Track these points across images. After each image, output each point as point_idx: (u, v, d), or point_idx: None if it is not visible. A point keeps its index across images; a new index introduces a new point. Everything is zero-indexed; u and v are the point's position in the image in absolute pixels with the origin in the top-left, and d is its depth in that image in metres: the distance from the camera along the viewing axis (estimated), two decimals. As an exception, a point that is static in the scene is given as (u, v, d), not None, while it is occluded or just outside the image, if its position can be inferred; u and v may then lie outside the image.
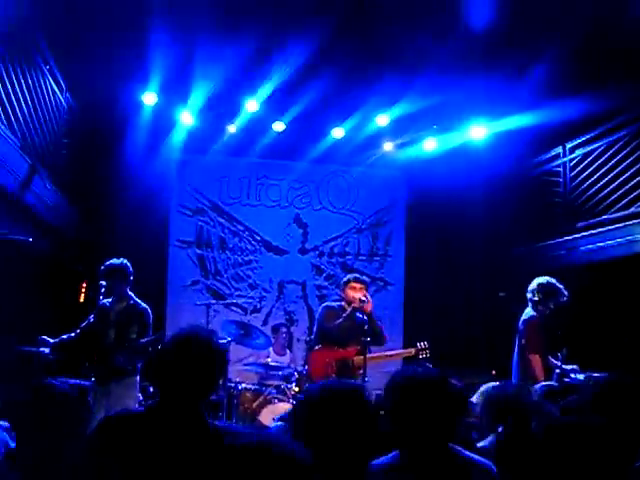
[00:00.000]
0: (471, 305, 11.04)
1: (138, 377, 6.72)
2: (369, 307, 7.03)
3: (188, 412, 2.84)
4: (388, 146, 10.97)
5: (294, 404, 4.39)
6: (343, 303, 7.29)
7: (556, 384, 5.77)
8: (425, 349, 7.42)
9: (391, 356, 7.81)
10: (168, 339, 3.04)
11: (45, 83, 7.63)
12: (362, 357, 6.76)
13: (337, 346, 7.09)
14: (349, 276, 7.54)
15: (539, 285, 6.94)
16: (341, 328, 7.03)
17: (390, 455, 2.82)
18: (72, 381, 3.47)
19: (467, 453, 2.80)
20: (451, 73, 8.28)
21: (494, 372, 9.41)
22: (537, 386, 5.07)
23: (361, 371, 6.78)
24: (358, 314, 7.02)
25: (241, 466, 1.76)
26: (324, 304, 7.82)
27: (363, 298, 7.02)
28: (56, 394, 2.99)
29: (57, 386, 3.03)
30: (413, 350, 7.50)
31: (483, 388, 4.37)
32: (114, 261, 6.77)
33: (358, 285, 7.24)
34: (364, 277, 7.80)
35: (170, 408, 2.83)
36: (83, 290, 9.23)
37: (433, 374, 2.78)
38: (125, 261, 6.79)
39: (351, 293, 7.17)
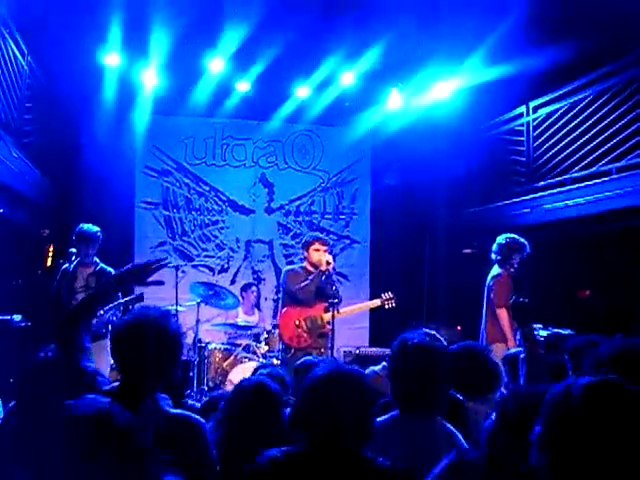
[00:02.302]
0: (436, 262, 11.18)
1: (109, 340, 6.77)
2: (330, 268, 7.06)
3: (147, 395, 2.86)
4: (352, 105, 10.97)
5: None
6: (305, 264, 7.22)
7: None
8: (390, 299, 7.49)
9: (359, 308, 7.97)
10: (122, 322, 2.99)
11: (5, 47, 7.44)
12: (330, 314, 6.77)
13: (304, 306, 7.10)
14: (311, 237, 7.39)
15: (501, 243, 7.12)
16: (307, 290, 7.02)
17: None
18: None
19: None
20: (415, 28, 8.28)
21: (459, 328, 9.63)
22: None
23: (330, 326, 6.81)
24: (324, 277, 7.02)
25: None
26: (286, 268, 7.71)
27: (330, 261, 7.02)
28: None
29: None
30: (379, 301, 7.58)
31: None
32: (89, 227, 6.81)
33: (322, 247, 7.10)
34: (326, 237, 7.84)
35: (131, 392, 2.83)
36: (50, 254, 9.17)
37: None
38: (98, 229, 6.90)
39: (316, 255, 7.05)
